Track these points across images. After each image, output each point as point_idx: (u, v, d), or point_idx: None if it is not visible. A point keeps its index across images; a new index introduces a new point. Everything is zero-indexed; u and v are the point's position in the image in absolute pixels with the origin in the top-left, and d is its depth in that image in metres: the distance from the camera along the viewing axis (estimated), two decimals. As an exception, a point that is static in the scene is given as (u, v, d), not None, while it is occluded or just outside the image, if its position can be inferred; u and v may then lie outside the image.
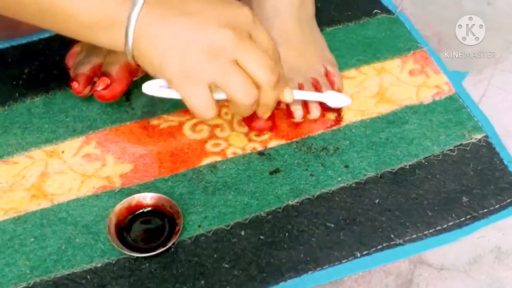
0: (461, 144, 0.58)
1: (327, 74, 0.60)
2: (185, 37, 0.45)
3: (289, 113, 0.58)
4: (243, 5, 0.47)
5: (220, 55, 0.45)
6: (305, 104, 0.58)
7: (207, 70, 0.45)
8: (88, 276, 0.49)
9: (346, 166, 0.56)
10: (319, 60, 0.61)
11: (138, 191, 0.53)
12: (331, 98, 0.58)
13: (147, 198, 0.52)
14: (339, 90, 0.60)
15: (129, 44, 0.45)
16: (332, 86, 0.60)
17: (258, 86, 0.48)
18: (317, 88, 0.59)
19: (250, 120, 0.57)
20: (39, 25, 0.47)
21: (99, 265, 0.49)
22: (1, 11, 0.47)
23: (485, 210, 0.53)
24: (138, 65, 0.58)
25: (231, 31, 0.45)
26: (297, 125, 0.59)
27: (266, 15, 0.60)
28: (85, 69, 0.58)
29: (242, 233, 0.51)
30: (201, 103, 0.47)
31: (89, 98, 0.60)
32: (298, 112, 0.58)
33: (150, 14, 0.44)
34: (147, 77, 0.62)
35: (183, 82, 0.46)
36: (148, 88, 0.50)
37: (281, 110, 0.59)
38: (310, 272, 0.49)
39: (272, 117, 0.57)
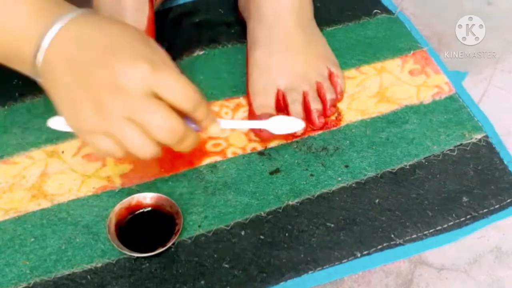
0: (461, 144, 0.58)
1: (330, 76, 0.61)
2: (74, 93, 0.44)
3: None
4: (141, 57, 0.44)
5: (109, 113, 0.43)
6: (307, 110, 0.58)
7: (98, 126, 0.44)
8: (88, 276, 0.49)
9: (346, 166, 0.56)
10: (322, 61, 0.61)
11: (138, 191, 0.53)
12: (275, 125, 0.55)
13: (147, 198, 0.52)
14: (341, 92, 0.61)
15: (37, 81, 0.46)
16: (334, 89, 0.60)
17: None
18: (320, 95, 0.59)
19: (258, 129, 0.57)
20: None
21: (99, 265, 0.49)
22: None
23: (485, 210, 0.53)
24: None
25: (115, 96, 0.43)
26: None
27: (267, 22, 0.60)
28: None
29: (242, 233, 0.51)
30: (103, 150, 0.46)
31: (89, 98, 0.60)
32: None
33: (47, 62, 0.44)
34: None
35: (80, 132, 0.46)
36: (54, 123, 0.49)
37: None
38: (310, 272, 0.49)
39: None
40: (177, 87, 0.45)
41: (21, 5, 0.44)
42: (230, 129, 0.57)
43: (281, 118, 0.56)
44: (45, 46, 0.44)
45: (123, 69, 0.43)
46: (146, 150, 0.45)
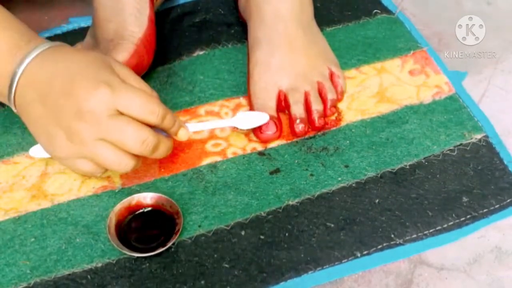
0: (461, 144, 0.58)
1: (331, 76, 0.61)
2: (47, 124, 0.47)
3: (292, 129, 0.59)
4: (100, 82, 0.46)
5: (81, 139, 0.47)
6: (308, 110, 0.59)
7: (73, 152, 0.47)
8: (89, 276, 0.49)
9: (346, 166, 0.56)
10: (323, 61, 0.61)
11: (138, 191, 0.53)
12: (242, 121, 0.57)
13: (147, 198, 0.52)
14: (342, 92, 0.61)
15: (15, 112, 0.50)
16: (335, 88, 0.60)
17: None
18: (321, 95, 0.59)
19: (258, 131, 0.58)
20: None
21: (99, 265, 0.49)
22: None
23: (485, 210, 0.53)
24: (137, 65, 0.58)
25: (83, 123, 0.46)
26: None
27: (267, 22, 0.60)
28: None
29: (242, 233, 0.51)
30: (84, 172, 0.50)
31: (89, 98, 0.60)
32: (299, 127, 0.58)
33: (21, 97, 0.48)
34: (146, 76, 0.63)
35: (58, 159, 0.49)
36: (35, 151, 0.53)
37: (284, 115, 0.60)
38: (310, 272, 0.49)
39: (280, 126, 0.58)
40: (138, 103, 0.47)
41: None
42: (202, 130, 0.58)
43: (246, 113, 0.57)
44: (16, 81, 0.48)
45: (85, 97, 0.46)
46: (124, 164, 0.48)
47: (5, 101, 0.50)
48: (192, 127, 0.54)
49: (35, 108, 0.48)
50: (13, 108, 0.50)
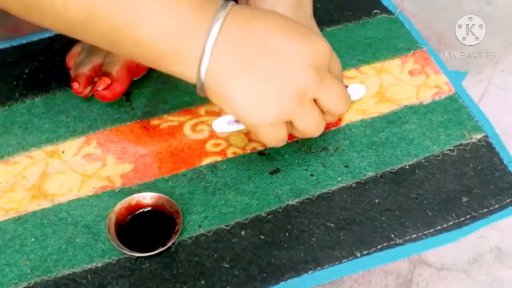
0: (461, 144, 0.58)
1: None
2: (257, 85, 0.42)
3: None
4: (320, 37, 0.45)
5: (303, 98, 0.44)
6: None
7: (285, 114, 0.44)
8: (89, 276, 0.49)
9: (346, 166, 0.56)
10: None
11: (138, 191, 0.53)
12: (351, 91, 0.55)
13: (147, 198, 0.52)
14: None
15: (201, 81, 0.43)
16: None
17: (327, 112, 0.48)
18: None
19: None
20: (105, 47, 0.44)
21: (99, 265, 0.49)
22: (67, 31, 0.44)
23: (485, 210, 0.53)
24: (138, 65, 0.58)
25: (314, 73, 0.43)
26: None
27: None
28: (86, 69, 0.58)
29: (242, 233, 0.51)
30: (278, 140, 0.47)
31: (90, 98, 0.60)
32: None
33: (226, 53, 0.41)
34: (147, 76, 0.63)
35: (262, 125, 0.44)
36: (218, 126, 0.49)
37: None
38: (310, 272, 0.49)
39: None
40: (340, 67, 0.50)
41: (179, 5, 0.41)
42: None
43: (351, 85, 0.55)
44: (211, 45, 0.41)
45: (317, 50, 0.43)
46: (321, 128, 0.48)
47: (186, 70, 0.42)
48: None
49: (239, 70, 0.41)
50: (195, 79, 0.42)
